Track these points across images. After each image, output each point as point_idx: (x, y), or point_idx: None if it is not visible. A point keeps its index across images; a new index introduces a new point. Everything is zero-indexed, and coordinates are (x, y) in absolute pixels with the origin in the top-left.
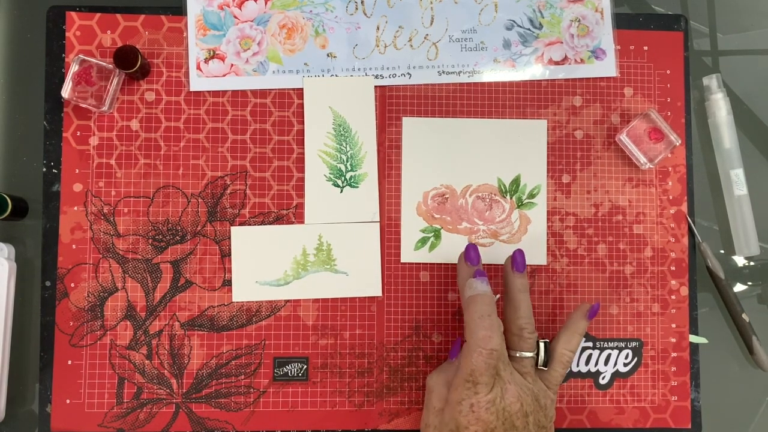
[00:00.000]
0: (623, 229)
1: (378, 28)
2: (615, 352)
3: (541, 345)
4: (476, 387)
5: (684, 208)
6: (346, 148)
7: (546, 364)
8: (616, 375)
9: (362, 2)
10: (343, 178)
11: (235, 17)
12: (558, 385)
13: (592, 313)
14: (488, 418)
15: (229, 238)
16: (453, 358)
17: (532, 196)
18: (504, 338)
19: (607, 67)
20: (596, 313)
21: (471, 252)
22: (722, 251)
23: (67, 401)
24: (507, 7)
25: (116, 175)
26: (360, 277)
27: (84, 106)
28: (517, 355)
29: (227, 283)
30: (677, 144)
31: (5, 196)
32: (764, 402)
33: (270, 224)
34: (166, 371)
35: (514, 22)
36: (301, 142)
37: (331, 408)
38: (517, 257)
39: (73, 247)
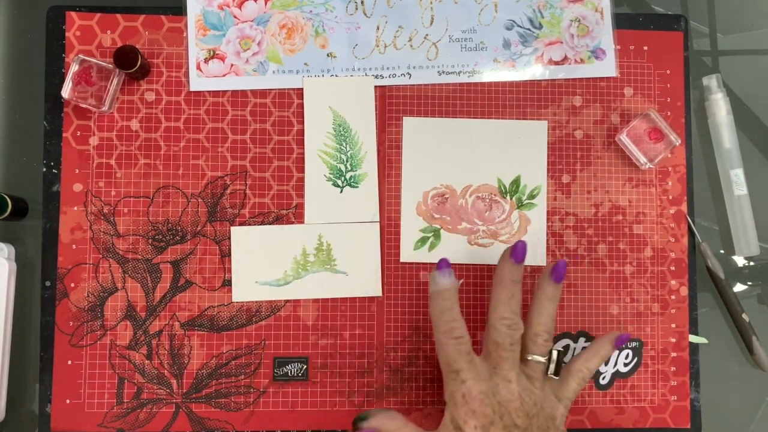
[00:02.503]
0: (623, 229)
1: (378, 28)
2: (615, 352)
3: (554, 354)
4: (459, 375)
5: (684, 208)
6: (346, 148)
7: (556, 372)
8: (616, 375)
9: (362, 2)
10: (343, 178)
11: (235, 17)
12: (570, 399)
13: (620, 341)
14: (484, 411)
15: (229, 238)
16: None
17: (532, 196)
18: (465, 328)
19: (607, 67)
20: (624, 342)
21: (518, 250)
22: (722, 251)
23: (67, 401)
24: (507, 7)
25: (116, 175)
26: (360, 277)
27: (84, 106)
28: (528, 357)
29: (227, 283)
30: (677, 144)
31: (5, 196)
32: (764, 402)
33: (270, 224)
34: (166, 371)
35: (514, 22)
36: (301, 142)
37: (331, 408)
38: (560, 267)
39: (73, 247)
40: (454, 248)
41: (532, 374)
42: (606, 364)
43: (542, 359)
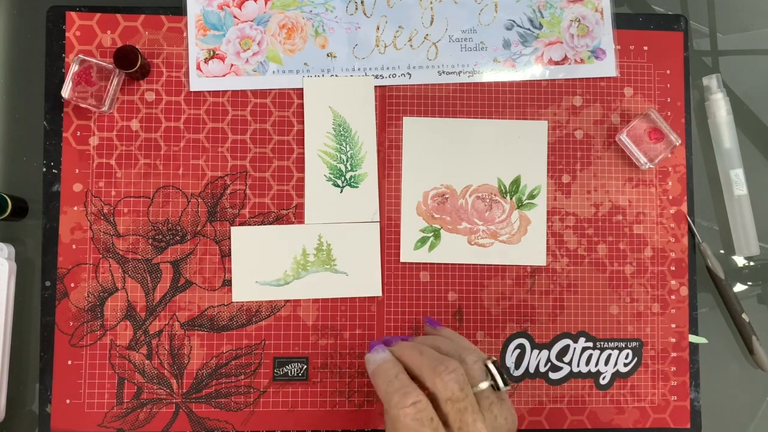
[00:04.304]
0: (623, 229)
1: (378, 28)
2: (615, 353)
3: (491, 367)
4: None
5: (684, 208)
6: (346, 148)
7: (505, 382)
8: (616, 375)
9: (362, 2)
10: (343, 178)
11: (235, 17)
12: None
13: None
14: None
15: (229, 238)
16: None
17: (532, 196)
18: (421, 391)
19: (607, 67)
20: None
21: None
22: (722, 251)
23: (67, 401)
24: (507, 7)
25: (116, 175)
26: (360, 277)
27: (84, 106)
28: (476, 390)
29: (227, 283)
30: (677, 144)
31: (5, 196)
32: (764, 402)
33: (270, 224)
34: (166, 371)
35: (514, 22)
36: (301, 142)
37: (331, 408)
38: (432, 321)
39: (73, 247)
40: (454, 248)
41: (491, 407)
42: (606, 364)
43: (487, 383)
